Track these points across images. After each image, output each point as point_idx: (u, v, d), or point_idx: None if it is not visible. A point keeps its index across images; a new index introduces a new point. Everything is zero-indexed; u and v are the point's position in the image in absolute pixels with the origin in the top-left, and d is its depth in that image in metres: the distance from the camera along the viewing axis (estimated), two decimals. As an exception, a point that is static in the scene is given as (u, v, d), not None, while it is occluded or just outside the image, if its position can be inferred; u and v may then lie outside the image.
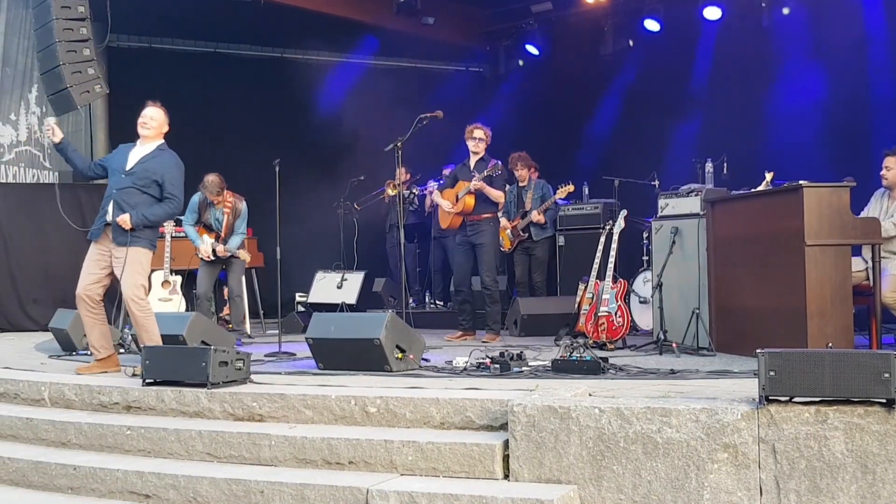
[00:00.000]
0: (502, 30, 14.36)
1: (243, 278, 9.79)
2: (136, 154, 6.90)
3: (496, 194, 8.91)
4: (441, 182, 10.27)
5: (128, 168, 6.82)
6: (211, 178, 9.51)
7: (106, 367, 6.83)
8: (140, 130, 6.94)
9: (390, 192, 12.15)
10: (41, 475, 5.39)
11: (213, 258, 9.44)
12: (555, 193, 10.25)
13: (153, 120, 6.96)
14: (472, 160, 9.06)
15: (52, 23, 8.96)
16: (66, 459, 5.40)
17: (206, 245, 9.47)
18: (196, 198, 9.56)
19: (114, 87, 11.08)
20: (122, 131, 12.88)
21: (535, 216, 10.14)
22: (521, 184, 10.50)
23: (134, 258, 6.67)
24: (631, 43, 12.93)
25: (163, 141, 7.03)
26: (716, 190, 8.32)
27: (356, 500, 4.52)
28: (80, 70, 9.02)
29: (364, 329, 6.37)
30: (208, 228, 9.60)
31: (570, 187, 10.13)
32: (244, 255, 9.64)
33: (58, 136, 6.89)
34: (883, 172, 7.22)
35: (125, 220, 6.62)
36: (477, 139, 9.01)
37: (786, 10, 11.42)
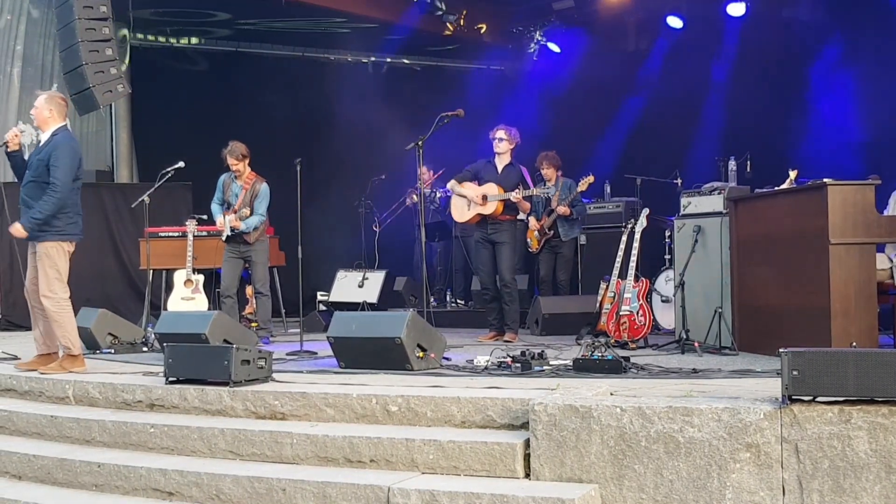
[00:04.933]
0: (524, 28, 14.32)
1: (268, 275, 9.66)
2: (36, 147, 6.84)
3: (525, 206, 9.04)
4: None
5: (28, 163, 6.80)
6: (235, 143, 9.22)
7: (43, 364, 6.83)
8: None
9: (415, 197, 12.14)
10: (66, 472, 5.44)
11: (229, 233, 9.11)
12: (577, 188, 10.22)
13: (35, 109, 6.82)
14: (499, 163, 9.03)
15: (74, 23, 9.02)
16: (90, 457, 5.45)
17: (223, 220, 9.13)
18: (223, 177, 9.35)
19: (136, 87, 11.17)
20: (145, 130, 13.06)
21: (561, 209, 10.09)
22: (547, 183, 10.46)
23: (43, 252, 6.69)
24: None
25: (61, 124, 6.82)
26: (739, 188, 8.26)
27: (378, 498, 4.53)
28: (102, 70, 9.07)
29: (385, 328, 6.37)
30: (228, 206, 9.27)
31: (591, 178, 10.07)
32: (240, 225, 9.13)
33: (14, 145, 6.78)
34: None
35: (18, 229, 6.57)
36: (497, 139, 8.99)
37: None
